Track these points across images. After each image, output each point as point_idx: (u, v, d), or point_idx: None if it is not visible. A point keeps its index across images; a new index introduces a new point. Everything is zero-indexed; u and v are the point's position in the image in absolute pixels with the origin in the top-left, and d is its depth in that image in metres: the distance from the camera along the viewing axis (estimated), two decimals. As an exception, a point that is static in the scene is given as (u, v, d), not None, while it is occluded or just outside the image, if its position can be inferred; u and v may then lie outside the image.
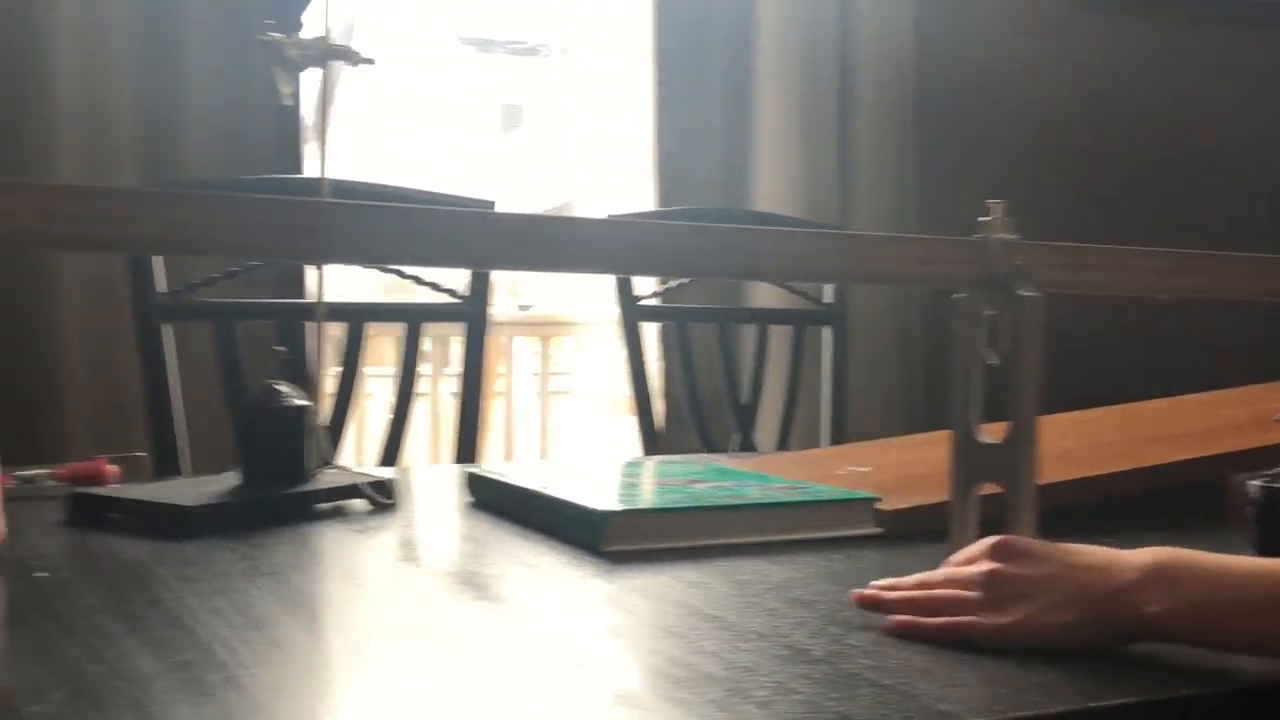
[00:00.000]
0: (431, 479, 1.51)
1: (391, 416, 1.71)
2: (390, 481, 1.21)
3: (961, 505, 0.86)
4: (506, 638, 0.76)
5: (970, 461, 0.86)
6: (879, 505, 1.06)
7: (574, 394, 4.97)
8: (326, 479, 1.20)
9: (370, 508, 1.19)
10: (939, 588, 0.75)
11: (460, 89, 10.12)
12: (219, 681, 0.63)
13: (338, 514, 1.16)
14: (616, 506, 0.99)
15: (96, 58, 2.03)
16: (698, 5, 2.52)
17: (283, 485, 1.16)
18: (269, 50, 1.19)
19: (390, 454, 1.70)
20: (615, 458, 2.26)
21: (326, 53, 1.21)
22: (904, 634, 0.73)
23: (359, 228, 0.73)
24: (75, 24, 2.01)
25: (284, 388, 1.19)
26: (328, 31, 1.22)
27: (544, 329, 4.62)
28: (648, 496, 1.07)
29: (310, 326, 1.69)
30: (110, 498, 1.11)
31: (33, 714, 0.58)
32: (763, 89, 2.54)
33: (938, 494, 0.92)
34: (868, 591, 0.77)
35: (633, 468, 1.35)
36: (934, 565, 0.79)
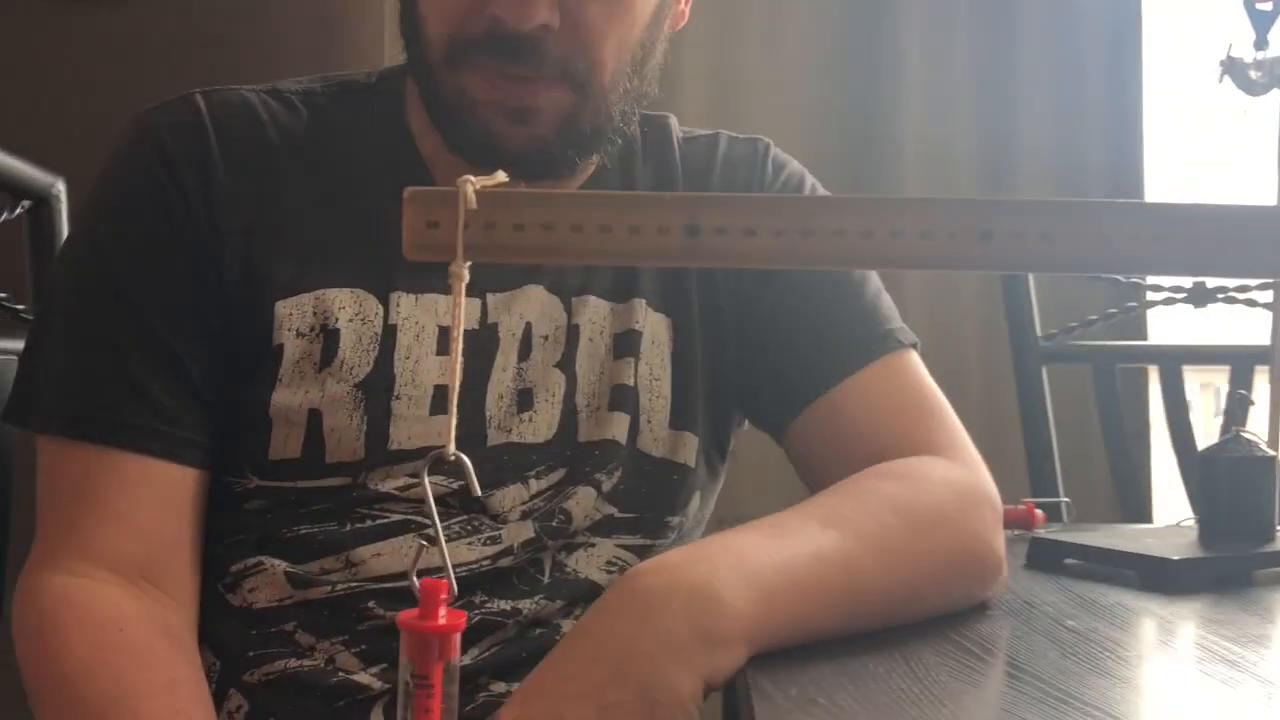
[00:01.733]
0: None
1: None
2: (1374, 545, 1.07)
3: None
4: None
5: None
6: None
7: None
8: (1291, 537, 1.09)
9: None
10: None
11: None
12: None
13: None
14: None
15: (940, 87, 2.07)
16: None
17: (1248, 540, 1.06)
18: (1230, 70, 1.11)
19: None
20: None
21: (1292, 69, 1.11)
22: None
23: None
24: (921, 53, 2.06)
25: (1251, 435, 1.09)
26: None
27: None
28: None
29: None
30: (1071, 544, 1.07)
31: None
32: None
33: None
34: None
35: None
36: None
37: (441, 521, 0.87)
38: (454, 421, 0.52)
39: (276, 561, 0.87)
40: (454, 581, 0.54)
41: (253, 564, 0.88)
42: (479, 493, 0.55)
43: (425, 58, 0.88)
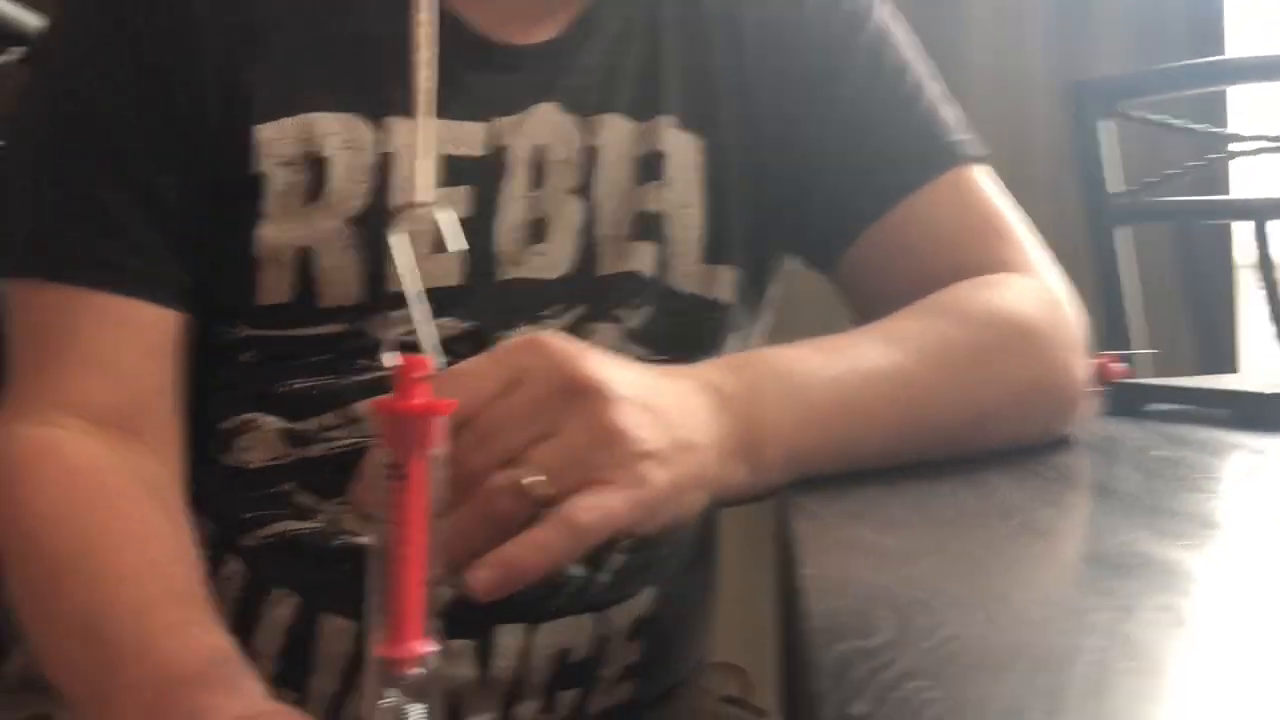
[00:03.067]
0: None
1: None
2: None
3: None
4: None
5: None
6: None
7: None
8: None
9: None
10: None
11: None
12: None
13: None
14: None
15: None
16: None
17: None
18: None
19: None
20: None
21: None
22: None
23: None
24: None
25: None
26: None
27: None
28: None
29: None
30: (1155, 386, 0.99)
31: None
32: None
33: None
34: None
35: None
36: None
37: None
38: (426, 162, 0.43)
39: (270, 418, 0.79)
40: (440, 356, 0.47)
41: (245, 420, 0.80)
42: (458, 246, 0.47)
43: None
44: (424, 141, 0.43)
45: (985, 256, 0.83)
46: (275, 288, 0.79)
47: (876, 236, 0.85)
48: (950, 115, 0.89)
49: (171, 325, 0.79)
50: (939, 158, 0.86)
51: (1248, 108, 1.81)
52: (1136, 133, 1.53)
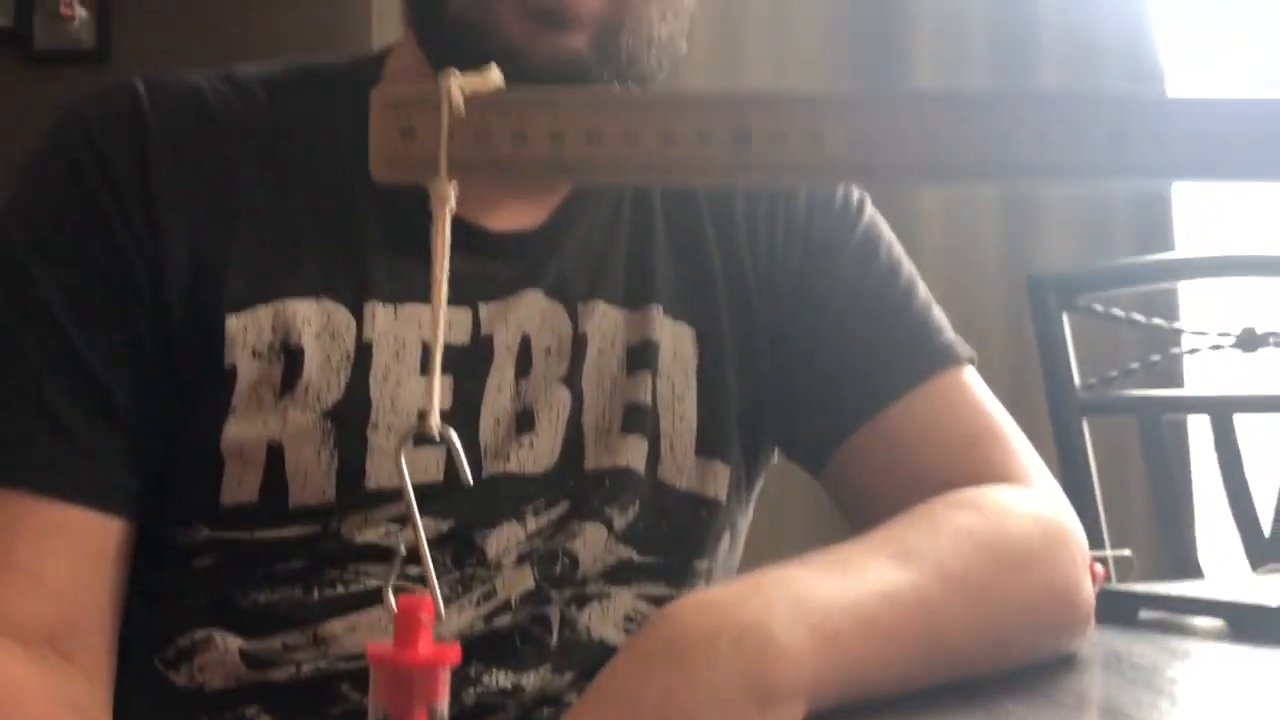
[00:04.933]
0: None
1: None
2: None
3: None
4: None
5: None
6: None
7: None
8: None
9: None
10: None
11: None
12: None
13: None
14: None
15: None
16: None
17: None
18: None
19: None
20: None
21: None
22: None
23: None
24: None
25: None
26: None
27: None
28: None
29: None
30: (1148, 594, 0.95)
31: None
32: None
33: None
34: None
35: None
36: None
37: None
38: (438, 384, 0.39)
39: (230, 638, 0.73)
40: (440, 601, 0.42)
41: (201, 638, 0.73)
42: (469, 478, 0.43)
43: None
44: (439, 360, 0.39)
45: (982, 464, 0.80)
46: (241, 487, 0.73)
47: (871, 436, 0.82)
48: (939, 314, 0.87)
49: (116, 535, 0.72)
50: (933, 359, 0.84)
51: (1196, 302, 1.84)
52: (1082, 328, 1.54)
